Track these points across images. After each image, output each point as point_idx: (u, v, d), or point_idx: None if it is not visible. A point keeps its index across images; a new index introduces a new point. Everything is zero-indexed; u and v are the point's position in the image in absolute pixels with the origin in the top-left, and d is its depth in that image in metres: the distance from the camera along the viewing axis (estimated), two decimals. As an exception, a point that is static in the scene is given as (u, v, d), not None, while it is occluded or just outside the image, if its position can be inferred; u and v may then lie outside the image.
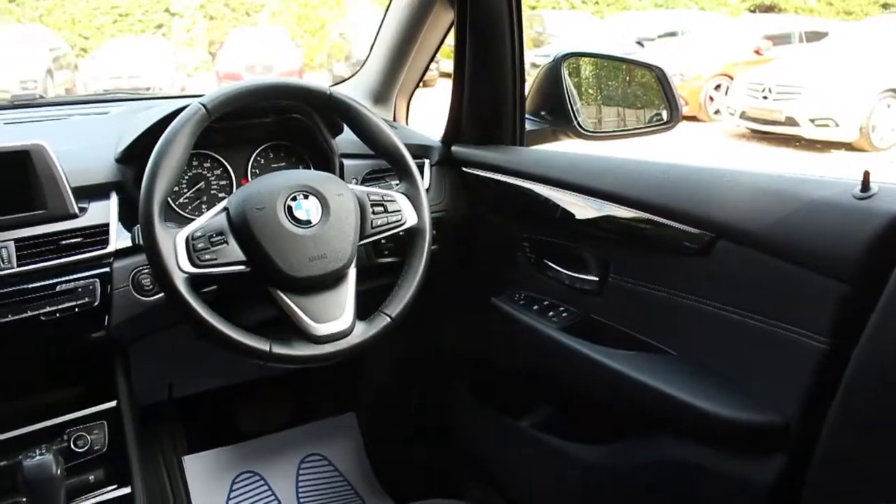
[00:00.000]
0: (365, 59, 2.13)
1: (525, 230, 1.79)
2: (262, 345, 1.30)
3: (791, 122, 8.45)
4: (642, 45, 12.39)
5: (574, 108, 1.89)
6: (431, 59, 2.07)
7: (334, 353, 1.34)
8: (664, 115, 1.95)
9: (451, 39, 1.95)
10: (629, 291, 1.52)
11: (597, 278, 1.60)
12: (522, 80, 1.85)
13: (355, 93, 2.01)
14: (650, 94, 2.00)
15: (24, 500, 1.41)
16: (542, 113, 1.94)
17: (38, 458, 1.35)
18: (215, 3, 18.58)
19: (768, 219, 1.23)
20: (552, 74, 1.89)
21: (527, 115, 1.90)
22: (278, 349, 1.30)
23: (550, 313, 1.68)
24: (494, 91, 1.84)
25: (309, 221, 1.34)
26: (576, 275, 1.65)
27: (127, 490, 1.57)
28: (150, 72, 12.59)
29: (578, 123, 1.88)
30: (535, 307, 1.72)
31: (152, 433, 2.21)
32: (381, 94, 2.06)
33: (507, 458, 1.96)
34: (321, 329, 1.33)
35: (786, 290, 1.21)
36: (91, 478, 1.55)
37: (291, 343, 1.32)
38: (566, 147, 1.93)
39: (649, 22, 14.92)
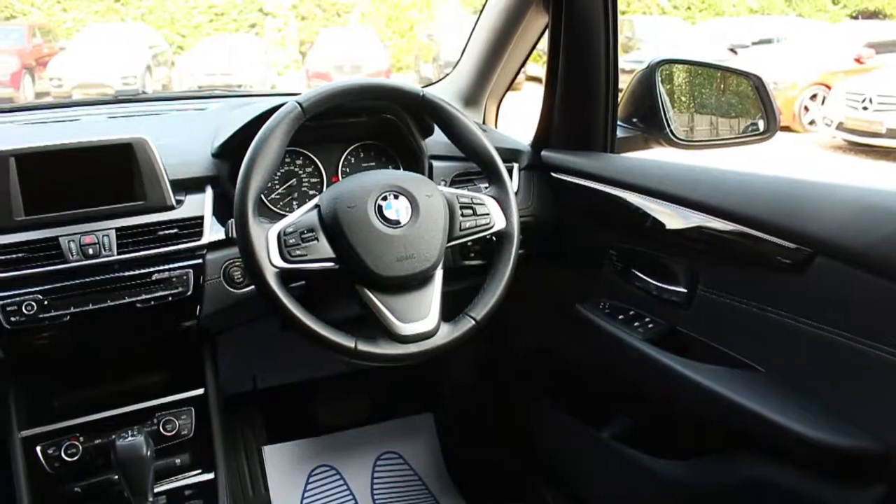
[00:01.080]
0: (457, 61, 2.14)
1: (613, 238, 1.76)
2: (348, 341, 1.31)
3: (893, 134, 8.10)
4: (735, 53, 12.07)
5: (667, 116, 1.86)
6: (523, 64, 2.06)
7: (418, 354, 1.35)
8: (760, 124, 1.90)
9: (542, 44, 1.94)
10: (718, 305, 1.48)
11: (685, 290, 1.56)
12: (616, 86, 1.82)
13: (446, 94, 2.01)
14: (746, 102, 1.95)
15: (116, 477, 1.47)
16: (634, 120, 1.91)
17: (130, 438, 1.41)
18: (307, 3, 18.93)
19: (872, 236, 1.18)
20: (646, 81, 1.86)
21: (618, 122, 1.88)
22: (363, 346, 1.32)
23: (636, 323, 1.65)
24: (587, 96, 1.82)
25: (398, 221, 1.35)
26: (663, 285, 1.62)
27: (210, 475, 1.62)
28: (243, 69, 12.90)
29: (671, 131, 1.85)
30: (621, 316, 1.69)
31: (234, 422, 2.27)
32: (472, 97, 2.06)
33: (584, 466, 1.94)
34: (406, 329, 1.33)
35: (887, 310, 1.16)
36: (177, 461, 1.61)
37: (376, 341, 1.33)
38: (656, 155, 1.89)
39: (743, 28, 14.52)
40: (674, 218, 1.55)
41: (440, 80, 2.25)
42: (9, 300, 1.39)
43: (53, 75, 12.75)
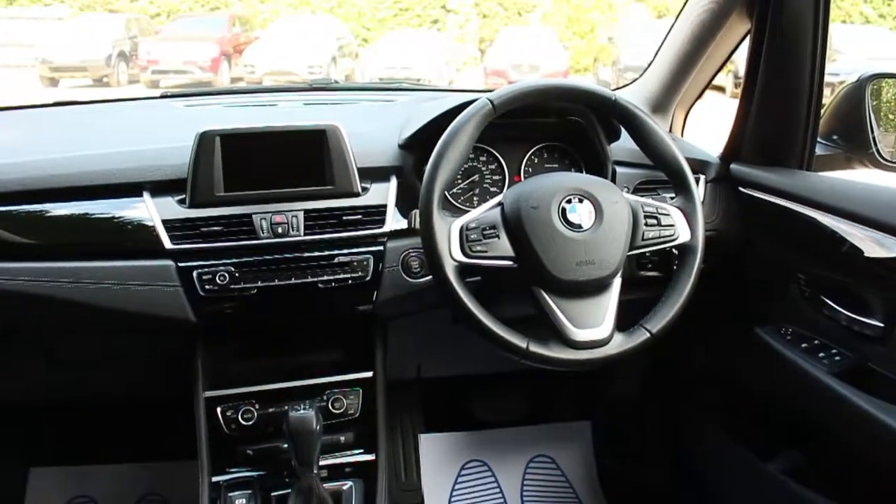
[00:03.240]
0: (646, 65, 2.08)
1: (802, 261, 1.66)
2: (520, 341, 1.31)
3: None
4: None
5: (874, 135, 1.73)
6: (717, 71, 1.98)
7: (589, 361, 1.32)
8: None
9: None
10: None
11: (882, 324, 1.45)
12: (819, 100, 1.71)
13: (634, 99, 1.95)
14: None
15: (285, 445, 1.55)
16: (835, 137, 1.79)
17: (302, 411, 1.47)
18: (489, 1, 19.14)
19: None
20: (854, 96, 1.74)
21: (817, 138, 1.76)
22: (535, 348, 1.31)
23: (821, 354, 1.54)
24: (786, 109, 1.72)
25: (580, 226, 1.33)
26: (857, 317, 1.50)
27: (371, 457, 1.67)
28: (422, 64, 13.21)
29: (878, 151, 1.72)
30: (804, 345, 1.59)
31: (395, 407, 2.32)
32: (661, 104, 2.00)
33: (743, 497, 1.85)
34: (580, 334, 1.31)
35: None
36: (342, 438, 1.67)
37: (548, 344, 1.32)
38: (857, 176, 1.77)
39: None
40: (875, 245, 1.43)
41: (628, 84, 2.20)
42: (205, 269, 1.49)
43: (248, 62, 13.63)
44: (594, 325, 1.33)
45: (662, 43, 2.00)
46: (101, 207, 1.53)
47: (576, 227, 1.33)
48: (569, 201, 1.35)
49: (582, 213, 1.34)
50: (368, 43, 17.08)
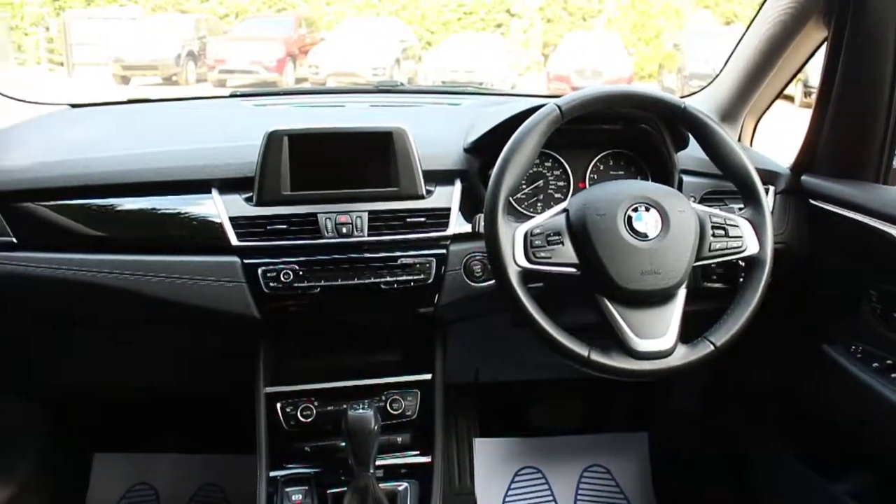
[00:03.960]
0: (717, 73, 2.05)
1: (876, 278, 1.60)
2: (582, 349, 1.30)
3: None
4: None
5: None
6: (790, 80, 1.93)
7: (651, 372, 1.31)
8: None
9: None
10: None
11: None
12: (900, 111, 1.66)
13: (703, 107, 1.93)
14: None
15: (342, 444, 1.56)
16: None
17: (360, 410, 1.49)
18: (554, 6, 19.05)
19: None
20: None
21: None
22: (596, 356, 1.30)
23: (894, 375, 1.49)
24: (862, 121, 1.66)
25: (647, 235, 1.32)
26: None
27: (427, 459, 1.68)
28: (485, 68, 13.22)
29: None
30: (875, 364, 1.54)
31: (451, 410, 2.33)
32: (730, 112, 1.96)
33: None
34: (642, 345, 1.30)
35: None
36: (399, 439, 1.68)
37: (610, 353, 1.31)
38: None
39: None
40: None
41: (696, 91, 2.16)
42: (270, 267, 1.51)
43: (312, 63, 13.82)
44: (657, 335, 1.32)
45: (734, 50, 1.96)
46: (170, 203, 1.57)
47: (641, 235, 1.32)
48: (635, 209, 1.34)
49: (648, 222, 1.33)
50: (432, 46, 17.16)
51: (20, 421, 2.19)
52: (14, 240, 1.55)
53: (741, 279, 1.45)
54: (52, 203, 1.56)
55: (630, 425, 2.45)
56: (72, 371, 1.99)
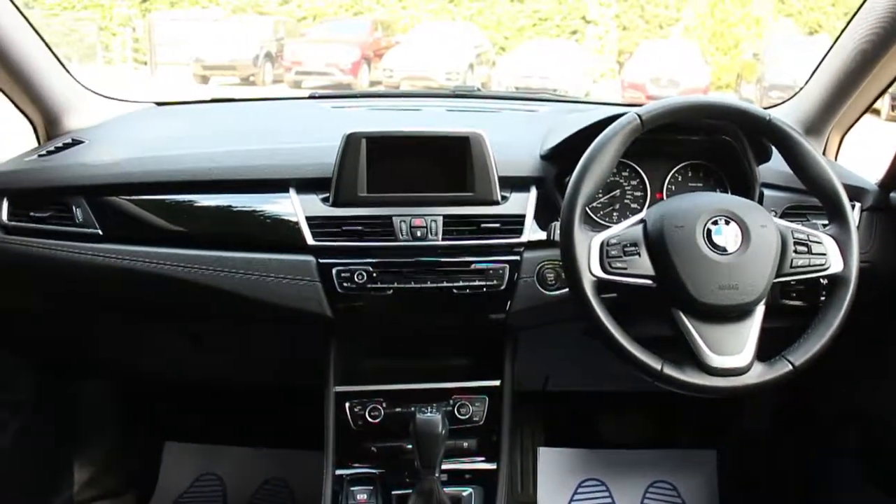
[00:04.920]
0: (802, 85, 1.99)
1: None
2: (655, 362, 1.28)
3: None
4: None
5: None
6: (880, 95, 1.87)
7: (726, 389, 1.29)
8: None
9: None
10: None
11: None
12: None
13: (787, 119, 1.88)
14: None
15: (409, 446, 1.57)
16: None
17: (429, 414, 1.51)
18: (630, 13, 18.83)
19: None
20: None
21: None
22: (669, 370, 1.28)
23: None
24: None
25: (726, 248, 1.30)
26: None
27: (492, 465, 1.67)
28: (559, 74, 13.11)
29: None
30: None
31: (517, 417, 2.32)
32: (815, 125, 1.90)
33: None
34: (717, 361, 1.28)
35: None
36: (465, 444, 1.68)
37: (683, 367, 1.29)
38: None
39: None
40: None
41: (778, 103, 2.10)
42: (344, 267, 1.53)
43: (387, 66, 13.95)
44: (733, 352, 1.29)
45: (821, 62, 1.91)
46: (248, 201, 1.61)
47: (720, 249, 1.30)
48: (715, 222, 1.31)
49: (728, 236, 1.31)
50: (506, 51, 17.14)
51: (101, 406, 2.27)
52: (100, 232, 1.60)
53: (822, 298, 1.42)
54: (135, 198, 1.62)
55: (698, 442, 2.40)
56: (147, 360, 2.05)
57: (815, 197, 1.43)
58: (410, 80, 13.12)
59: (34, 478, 2.03)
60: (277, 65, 14.89)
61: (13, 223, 1.62)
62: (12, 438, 1.85)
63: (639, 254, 1.31)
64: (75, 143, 1.78)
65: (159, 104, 2.19)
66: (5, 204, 1.64)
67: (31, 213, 1.63)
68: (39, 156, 1.73)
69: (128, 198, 1.62)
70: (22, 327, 1.86)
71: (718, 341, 1.29)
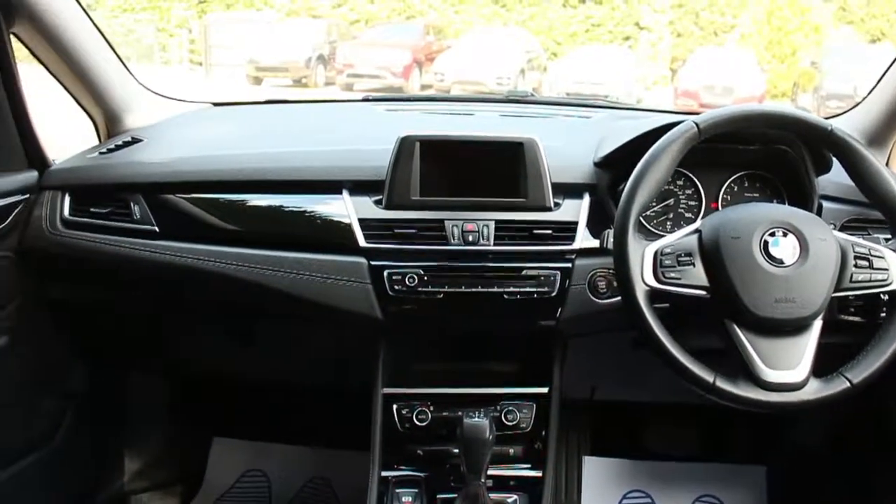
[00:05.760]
0: (865, 94, 1.94)
1: None
2: (707, 375, 1.27)
3: None
4: None
5: None
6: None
7: (780, 404, 1.26)
8: None
9: None
10: None
11: None
12: None
13: (848, 130, 1.84)
14: None
15: (455, 450, 1.57)
16: None
17: (476, 419, 1.50)
18: (685, 20, 18.63)
19: None
20: None
21: None
22: (722, 384, 1.26)
23: None
24: None
25: (783, 261, 1.27)
26: None
27: (538, 473, 1.66)
28: (611, 81, 12.99)
29: None
30: None
31: (563, 425, 2.30)
32: (878, 137, 1.85)
33: None
34: (772, 375, 1.25)
35: None
36: (511, 451, 1.67)
37: (736, 381, 1.27)
38: None
39: None
40: None
41: (838, 113, 2.06)
42: (396, 270, 1.53)
43: (438, 70, 14.01)
44: (789, 367, 1.27)
45: (885, 71, 1.86)
46: (301, 201, 1.63)
47: (778, 261, 1.27)
48: (772, 234, 1.29)
49: (785, 248, 1.28)
50: (557, 57, 17.08)
51: (153, 399, 2.31)
52: (156, 229, 1.64)
53: (883, 314, 1.39)
54: (191, 196, 1.65)
55: (747, 457, 2.35)
56: (196, 356, 2.08)
57: (878, 210, 1.39)
58: (461, 84, 13.15)
59: (87, 467, 2.07)
60: (329, 67, 15.06)
61: (74, 218, 1.67)
62: (67, 428, 1.89)
63: (693, 264, 1.29)
64: (134, 141, 1.82)
65: (216, 105, 2.23)
66: (67, 199, 1.68)
67: (92, 209, 1.68)
68: (100, 153, 1.78)
69: (184, 196, 1.65)
70: (79, 319, 1.91)
71: (773, 355, 1.26)
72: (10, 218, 1.63)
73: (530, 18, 18.54)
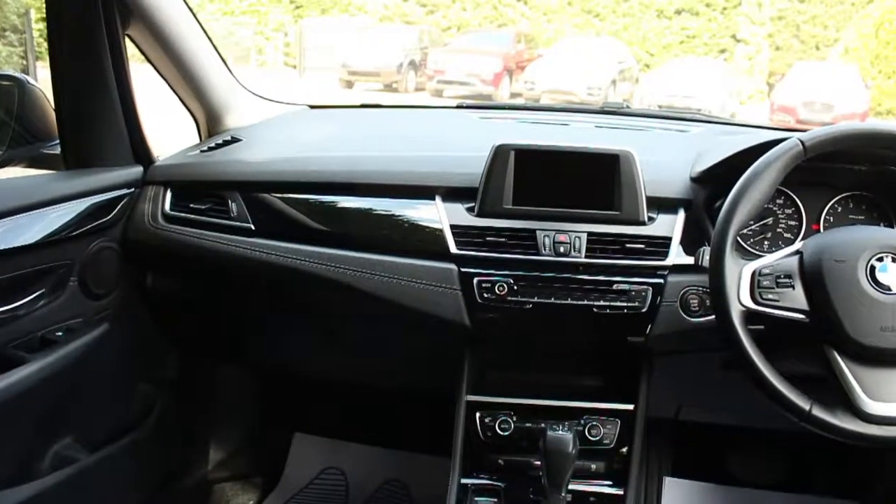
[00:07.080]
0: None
1: None
2: (803, 402, 1.22)
3: None
4: None
5: None
6: None
7: (882, 439, 1.20)
8: None
9: None
10: None
11: None
12: None
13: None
14: None
15: (537, 462, 1.55)
16: None
17: (560, 432, 1.49)
18: (785, 33, 18.11)
19: None
20: None
21: None
22: (819, 412, 1.22)
23: None
24: None
25: (890, 288, 1.22)
26: None
27: (619, 491, 1.63)
28: (704, 94, 12.70)
29: None
30: None
31: (646, 443, 2.26)
32: None
33: None
34: (874, 407, 1.20)
35: None
36: (593, 466, 1.64)
37: (834, 410, 1.22)
38: None
39: None
40: None
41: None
42: (486, 278, 1.53)
43: (528, 79, 13.99)
44: (892, 399, 1.21)
45: None
46: (393, 205, 1.65)
47: (885, 288, 1.22)
48: (880, 259, 1.24)
49: (894, 275, 1.23)
50: (650, 68, 16.83)
51: (240, 391, 2.38)
52: (252, 226, 1.68)
53: None
54: (287, 196, 1.69)
55: (837, 491, 2.25)
56: (284, 353, 2.13)
57: None
58: (551, 93, 13.09)
59: (173, 453, 2.14)
60: (420, 73, 15.21)
61: (175, 213, 1.73)
62: (158, 414, 1.95)
63: (793, 286, 1.25)
64: (234, 140, 1.87)
65: (312, 107, 2.27)
66: (168, 194, 1.75)
67: (191, 205, 1.73)
68: (201, 151, 1.84)
69: (280, 196, 1.69)
70: (175, 311, 1.97)
71: (876, 386, 1.21)
72: (116, 210, 1.70)
73: (623, 29, 18.33)
